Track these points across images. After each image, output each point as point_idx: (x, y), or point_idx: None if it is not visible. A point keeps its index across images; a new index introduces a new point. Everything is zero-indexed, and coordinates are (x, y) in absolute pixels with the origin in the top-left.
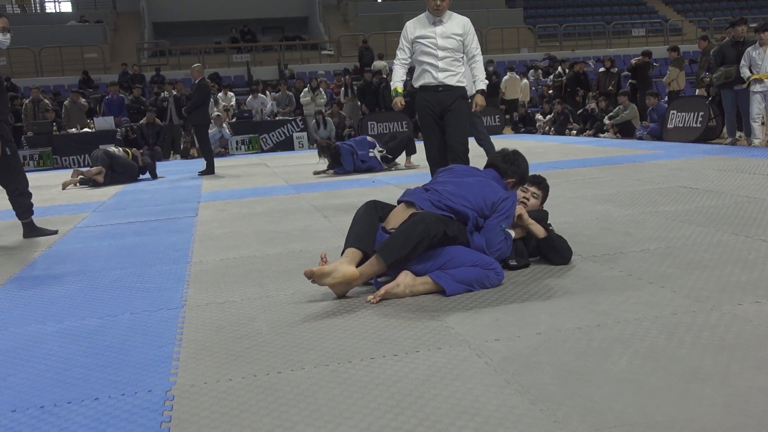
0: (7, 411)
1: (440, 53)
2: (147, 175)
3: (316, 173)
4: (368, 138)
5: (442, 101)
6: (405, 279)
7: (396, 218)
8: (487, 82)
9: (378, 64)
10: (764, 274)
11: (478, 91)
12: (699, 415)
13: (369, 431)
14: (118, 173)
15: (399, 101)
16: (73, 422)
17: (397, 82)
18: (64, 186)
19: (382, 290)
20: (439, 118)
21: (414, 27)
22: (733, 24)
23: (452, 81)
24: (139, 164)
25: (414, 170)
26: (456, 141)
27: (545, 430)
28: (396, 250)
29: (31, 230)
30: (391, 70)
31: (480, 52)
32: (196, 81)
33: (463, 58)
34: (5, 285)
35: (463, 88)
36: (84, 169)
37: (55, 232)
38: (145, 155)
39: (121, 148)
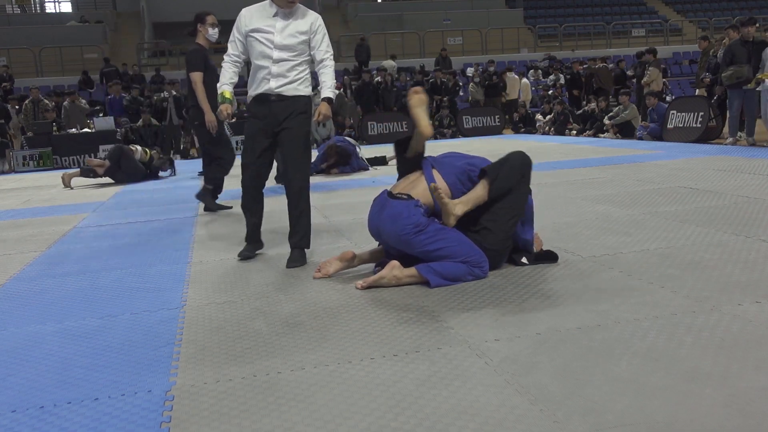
0: (7, 411)
1: (279, 54)
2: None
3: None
4: (347, 139)
5: (276, 114)
6: (392, 271)
7: (403, 184)
8: (336, 91)
9: (387, 63)
10: (764, 274)
11: (324, 98)
12: (699, 415)
13: (369, 431)
14: (123, 171)
15: (225, 109)
16: (73, 422)
17: (225, 85)
18: (68, 180)
19: (371, 279)
20: (271, 135)
21: (250, 16)
22: (743, 23)
23: (289, 90)
24: (150, 168)
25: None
26: (295, 171)
27: (545, 430)
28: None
29: (208, 200)
30: (396, 70)
31: (331, 56)
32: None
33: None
34: (5, 285)
35: (304, 98)
36: (95, 161)
37: (230, 207)
38: (162, 158)
39: (140, 148)
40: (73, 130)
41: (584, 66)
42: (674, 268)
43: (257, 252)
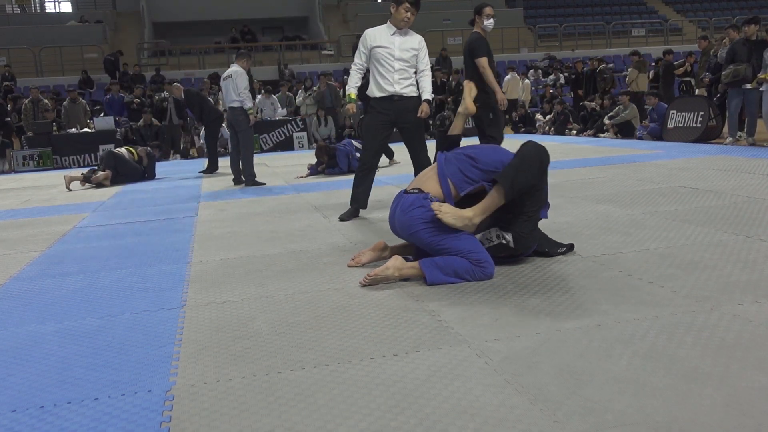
0: (7, 411)
1: (398, 65)
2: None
3: (299, 178)
4: (354, 142)
5: (398, 110)
6: (395, 263)
7: (417, 180)
8: (433, 95)
9: None
10: (764, 274)
11: (425, 100)
12: (699, 415)
13: (369, 431)
14: (122, 174)
15: (351, 107)
16: (73, 422)
17: (352, 88)
18: (68, 182)
19: (372, 273)
20: (391, 127)
21: (374, 36)
22: (745, 22)
23: (407, 91)
24: (144, 164)
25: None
26: (424, 154)
27: (545, 430)
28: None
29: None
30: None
31: (429, 68)
32: (182, 97)
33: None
34: (5, 285)
35: (416, 98)
36: (91, 176)
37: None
38: (150, 153)
39: (125, 149)
40: (73, 130)
41: (586, 66)
42: (674, 268)
43: (356, 216)
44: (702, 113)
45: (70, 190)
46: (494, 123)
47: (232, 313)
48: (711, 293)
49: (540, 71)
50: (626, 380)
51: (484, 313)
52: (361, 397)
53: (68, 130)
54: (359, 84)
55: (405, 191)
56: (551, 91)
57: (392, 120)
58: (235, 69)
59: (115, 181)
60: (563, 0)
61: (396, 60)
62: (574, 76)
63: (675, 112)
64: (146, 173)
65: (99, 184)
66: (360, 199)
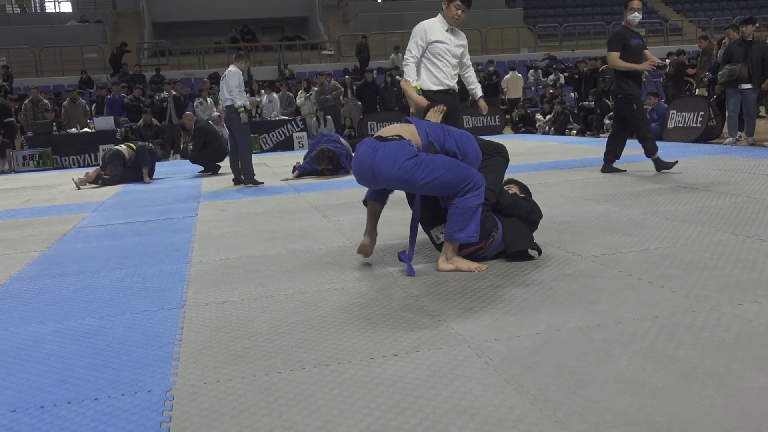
0: (7, 411)
1: (453, 60)
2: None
3: (285, 180)
4: (342, 141)
5: (451, 103)
6: (444, 264)
7: (391, 129)
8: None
9: (397, 58)
10: (764, 274)
11: (480, 97)
12: (699, 415)
13: (369, 431)
14: (126, 175)
15: (423, 101)
16: (73, 422)
17: (416, 80)
18: (80, 181)
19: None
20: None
21: (432, 30)
22: (744, 22)
23: (455, 85)
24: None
25: None
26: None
27: (545, 430)
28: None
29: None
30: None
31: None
32: (192, 127)
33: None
34: (5, 285)
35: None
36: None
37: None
38: (151, 149)
39: (125, 146)
40: (73, 130)
41: (587, 66)
42: (674, 268)
43: None
44: (702, 113)
45: (79, 188)
46: (638, 114)
47: (232, 313)
48: (711, 293)
49: (540, 71)
50: (626, 380)
51: (484, 313)
52: (361, 397)
53: (68, 130)
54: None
55: (381, 137)
56: (551, 91)
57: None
58: (230, 69)
59: (122, 178)
60: (563, 0)
61: (452, 56)
62: (577, 76)
63: (675, 112)
64: (137, 164)
65: (98, 179)
66: None
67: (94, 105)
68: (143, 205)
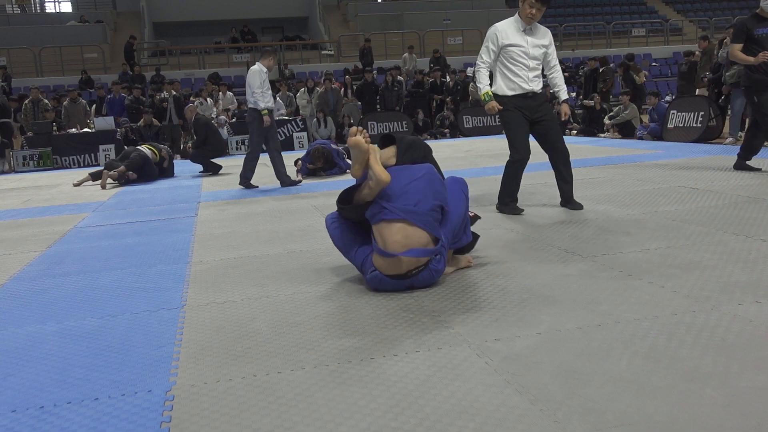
0: (7, 411)
1: (532, 63)
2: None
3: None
4: (333, 145)
5: (534, 107)
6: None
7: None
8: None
9: (410, 59)
10: (764, 274)
11: (564, 101)
12: (699, 415)
13: (369, 431)
14: (143, 176)
15: (495, 105)
16: (73, 422)
17: (488, 86)
18: (102, 183)
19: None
20: (528, 123)
21: (505, 33)
22: None
23: (539, 87)
24: (164, 166)
25: None
26: (563, 143)
27: (545, 430)
28: None
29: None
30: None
31: (558, 63)
32: (191, 119)
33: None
34: (5, 285)
35: (544, 94)
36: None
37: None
38: (171, 153)
39: (147, 148)
40: (73, 130)
41: (585, 67)
42: (674, 268)
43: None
44: (702, 113)
45: (104, 188)
46: (758, 108)
47: (232, 313)
48: (711, 293)
49: None
50: (626, 380)
51: (484, 313)
52: (361, 397)
53: (68, 130)
54: (489, 82)
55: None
56: (551, 91)
57: (528, 117)
58: (253, 67)
59: (138, 179)
60: (563, 0)
61: (530, 59)
62: (583, 76)
63: (675, 112)
64: (165, 172)
65: (126, 177)
66: (515, 192)
67: (94, 105)
68: (143, 205)
